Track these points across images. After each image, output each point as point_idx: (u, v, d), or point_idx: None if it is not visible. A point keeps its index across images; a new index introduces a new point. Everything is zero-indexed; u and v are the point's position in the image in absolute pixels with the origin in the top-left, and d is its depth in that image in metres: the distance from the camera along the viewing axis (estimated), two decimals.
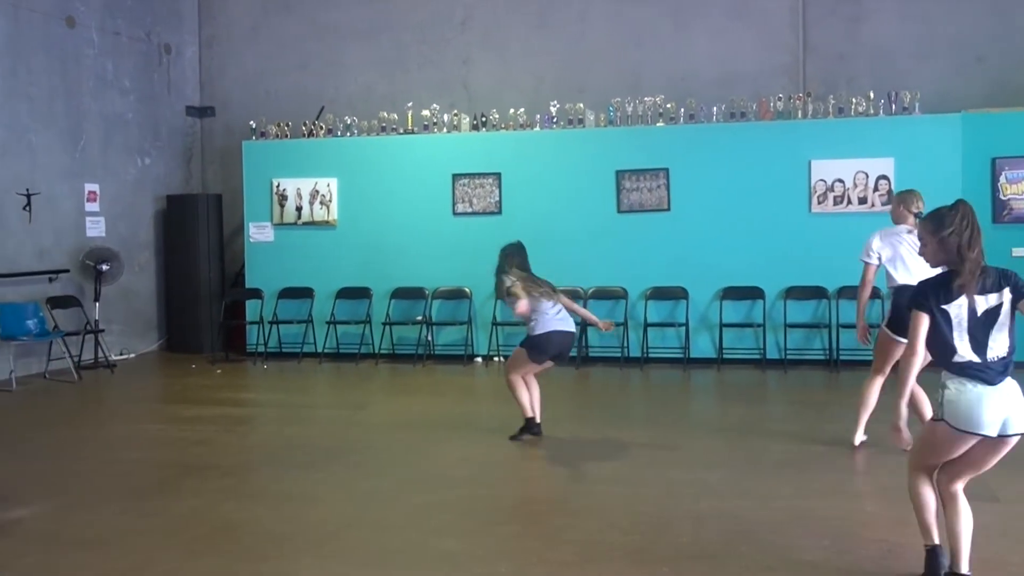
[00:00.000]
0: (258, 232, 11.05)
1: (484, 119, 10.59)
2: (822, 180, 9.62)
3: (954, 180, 9.27)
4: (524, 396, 6.44)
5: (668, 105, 10.13)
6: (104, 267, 10.24)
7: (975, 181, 9.27)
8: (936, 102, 9.71)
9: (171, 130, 11.97)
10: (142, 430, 7.34)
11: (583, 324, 9.96)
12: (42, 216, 9.94)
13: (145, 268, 11.53)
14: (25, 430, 7.24)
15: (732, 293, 9.80)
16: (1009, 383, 3.52)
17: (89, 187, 10.63)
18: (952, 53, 10.13)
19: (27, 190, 9.73)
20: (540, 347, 6.34)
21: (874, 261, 5.90)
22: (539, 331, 6.33)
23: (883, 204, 9.39)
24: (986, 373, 3.50)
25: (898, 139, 9.45)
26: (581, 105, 10.36)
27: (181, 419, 7.71)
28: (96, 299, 10.24)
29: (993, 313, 3.53)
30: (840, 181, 9.58)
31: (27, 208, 9.73)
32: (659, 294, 9.97)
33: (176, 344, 11.50)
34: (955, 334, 3.52)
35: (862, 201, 9.53)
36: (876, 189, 9.47)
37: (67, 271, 10.21)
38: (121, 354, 10.90)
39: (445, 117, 10.73)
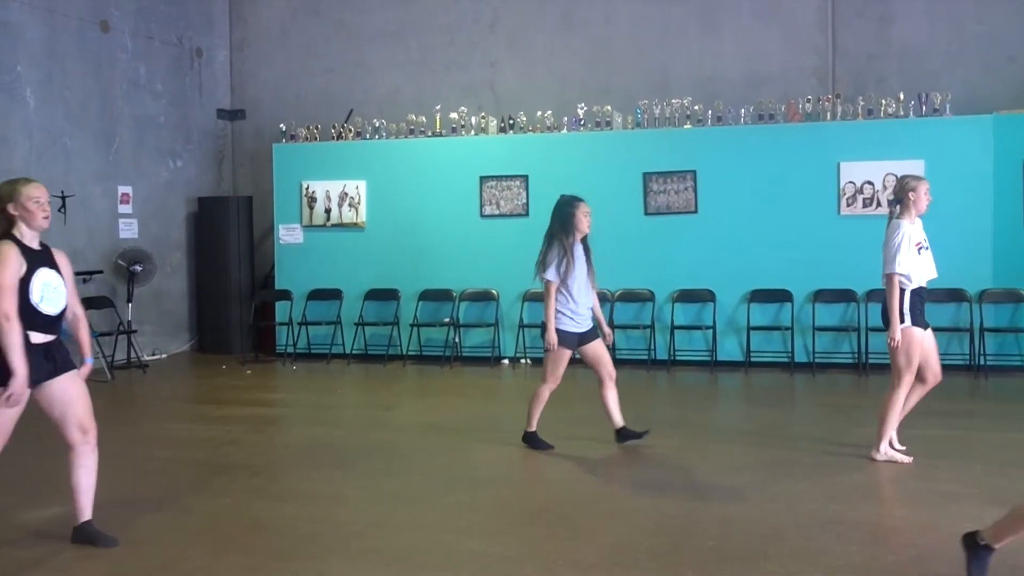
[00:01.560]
0: (288, 234, 11.15)
1: (511, 121, 10.62)
2: (851, 182, 9.55)
3: (985, 182, 9.18)
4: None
5: (695, 107, 10.10)
6: (137, 268, 10.38)
7: (1007, 183, 9.17)
8: (967, 103, 9.61)
9: (202, 133, 12.12)
10: (173, 429, 7.43)
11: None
12: (76, 218, 10.09)
13: (177, 269, 11.68)
14: (57, 429, 7.34)
15: (760, 296, 9.75)
16: None
17: (122, 189, 10.79)
18: (982, 53, 10.01)
19: (62, 192, 9.88)
20: None
21: None
22: None
23: None
24: None
25: (928, 141, 9.36)
26: (608, 107, 10.36)
27: (211, 419, 7.80)
28: (129, 300, 10.38)
29: None
30: (869, 183, 9.50)
31: (62, 210, 9.88)
32: (686, 296, 9.94)
33: (207, 345, 11.64)
34: None
35: None
36: None
37: (100, 272, 10.36)
38: (153, 354, 11.04)
39: (472, 120, 10.77)
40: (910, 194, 5.67)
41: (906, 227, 5.62)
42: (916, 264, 5.60)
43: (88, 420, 4.45)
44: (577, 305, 6.11)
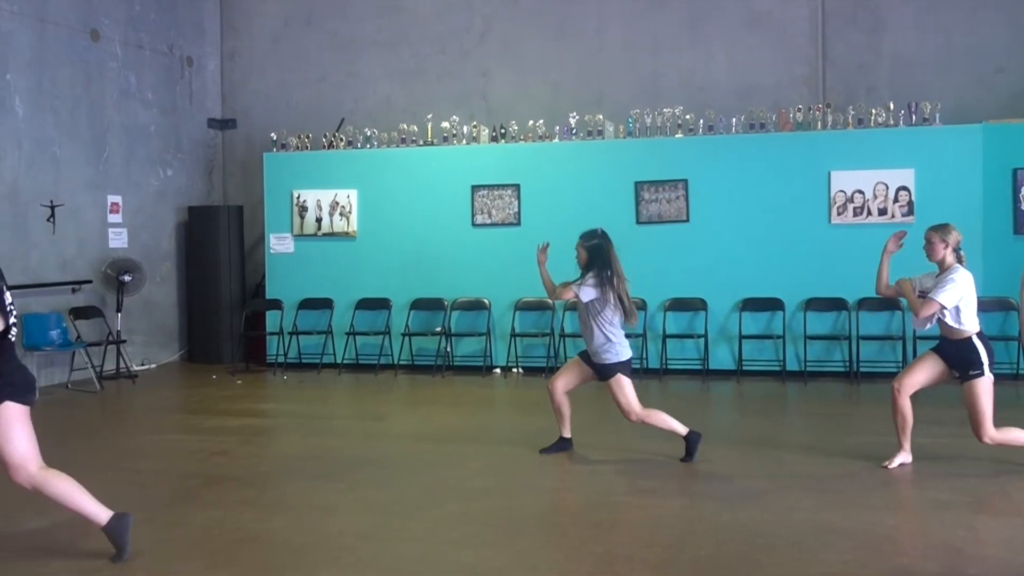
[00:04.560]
0: (278, 243, 11.12)
1: (503, 130, 10.63)
2: (842, 191, 9.58)
3: (975, 191, 9.22)
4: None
5: (687, 116, 10.12)
6: (126, 278, 10.33)
7: (996, 192, 9.22)
8: (956, 113, 9.66)
9: (193, 142, 12.09)
10: (163, 440, 7.39)
11: None
12: (65, 227, 10.05)
13: (167, 279, 11.63)
14: (47, 440, 7.25)
15: (751, 304, 9.76)
16: None
17: (112, 198, 10.74)
18: (972, 64, 10.08)
19: (51, 202, 9.84)
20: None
21: None
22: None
23: (903, 215, 9.35)
24: None
25: (918, 150, 9.40)
26: (600, 116, 10.38)
27: (202, 429, 7.76)
28: (118, 309, 10.33)
29: None
30: (860, 192, 9.54)
31: (51, 219, 9.84)
32: (678, 305, 9.95)
33: (197, 355, 11.58)
34: None
35: (882, 212, 9.47)
36: (896, 200, 9.42)
37: (90, 282, 10.31)
38: (143, 364, 10.98)
39: (464, 128, 10.77)
40: None
41: None
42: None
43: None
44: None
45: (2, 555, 4.56)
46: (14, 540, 4.79)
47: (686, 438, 6.19)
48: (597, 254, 6.17)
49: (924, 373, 5.80)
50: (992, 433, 5.61)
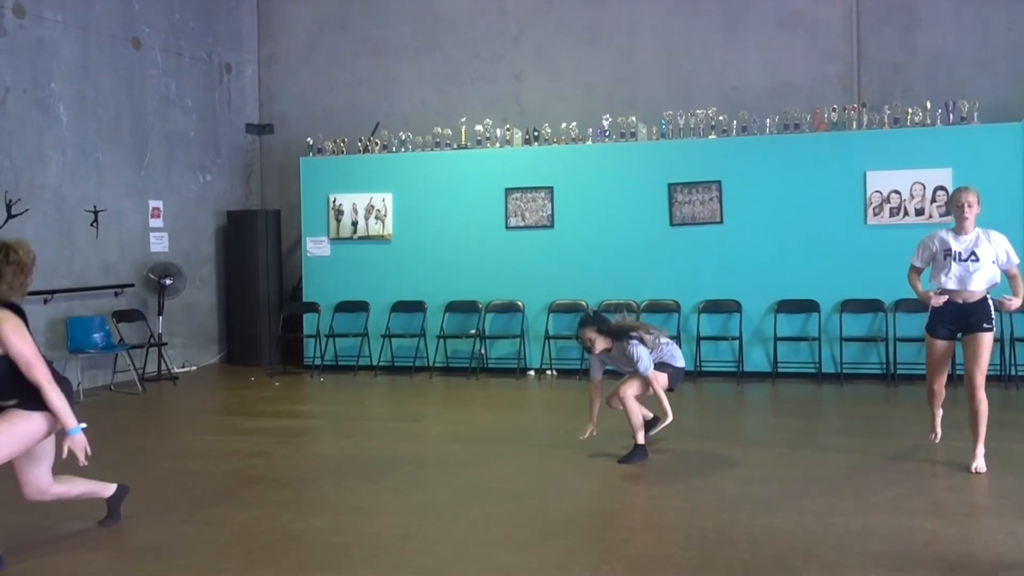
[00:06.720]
0: (315, 247, 11.25)
1: (536, 133, 10.67)
2: (878, 191, 9.51)
3: (1015, 190, 9.10)
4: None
5: (720, 117, 10.10)
6: (167, 281, 10.51)
7: None
8: (995, 111, 9.54)
9: (231, 147, 12.27)
10: (203, 441, 7.51)
11: None
12: (108, 232, 10.25)
13: (206, 282, 11.81)
14: (91, 441, 7.43)
15: (786, 306, 9.72)
16: None
17: (153, 203, 10.94)
18: (1011, 60, 9.94)
19: (94, 207, 10.05)
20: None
21: None
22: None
23: (941, 216, 9.25)
24: None
25: (956, 149, 9.29)
26: (632, 118, 10.38)
27: (241, 430, 7.88)
28: (160, 313, 10.52)
29: None
30: (896, 192, 9.45)
31: (94, 224, 10.04)
32: (712, 307, 9.93)
33: (236, 357, 11.75)
34: None
35: (919, 212, 9.38)
36: (934, 200, 9.33)
37: (132, 285, 10.51)
38: (183, 366, 11.17)
39: (498, 132, 10.83)
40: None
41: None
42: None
43: None
44: None
45: (50, 550, 4.67)
46: (62, 537, 4.91)
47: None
48: (611, 330, 6.29)
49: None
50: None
